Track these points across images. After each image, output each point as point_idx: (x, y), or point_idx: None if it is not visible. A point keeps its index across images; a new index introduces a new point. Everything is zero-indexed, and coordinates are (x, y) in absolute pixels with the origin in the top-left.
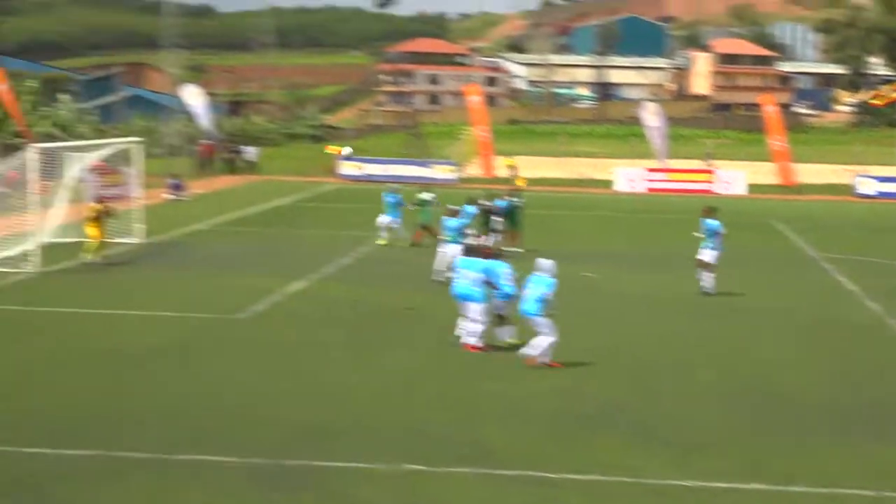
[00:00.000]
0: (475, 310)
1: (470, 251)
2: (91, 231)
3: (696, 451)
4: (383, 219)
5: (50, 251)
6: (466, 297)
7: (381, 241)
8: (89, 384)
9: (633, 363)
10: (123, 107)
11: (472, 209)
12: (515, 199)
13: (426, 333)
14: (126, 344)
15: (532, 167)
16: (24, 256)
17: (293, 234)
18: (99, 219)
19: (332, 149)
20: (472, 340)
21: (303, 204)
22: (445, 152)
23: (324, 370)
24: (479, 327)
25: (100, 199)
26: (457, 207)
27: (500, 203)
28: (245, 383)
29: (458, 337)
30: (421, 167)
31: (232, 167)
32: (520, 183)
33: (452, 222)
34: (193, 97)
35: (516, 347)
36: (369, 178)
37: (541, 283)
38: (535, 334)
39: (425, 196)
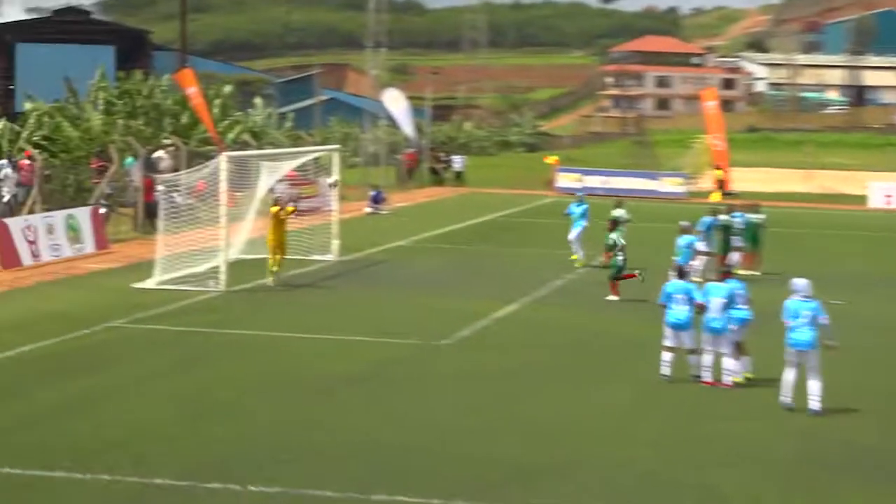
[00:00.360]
0: (714, 341)
1: (682, 274)
2: (269, 239)
3: None
4: (572, 234)
5: (238, 268)
6: (683, 327)
7: (575, 258)
8: (275, 414)
9: (884, 402)
10: (321, 111)
11: (709, 221)
12: (753, 216)
13: (648, 365)
14: (317, 371)
15: (773, 181)
16: (211, 273)
17: (503, 252)
18: (278, 223)
19: (550, 159)
20: (728, 378)
21: (515, 219)
22: (675, 163)
23: (534, 403)
24: (733, 363)
25: (275, 202)
26: (688, 223)
27: (737, 217)
28: (447, 416)
29: (666, 376)
30: (647, 179)
31: (438, 178)
32: (714, 198)
33: (684, 240)
34: (396, 101)
35: (751, 382)
36: (589, 192)
37: (805, 307)
38: (789, 367)
39: (618, 213)
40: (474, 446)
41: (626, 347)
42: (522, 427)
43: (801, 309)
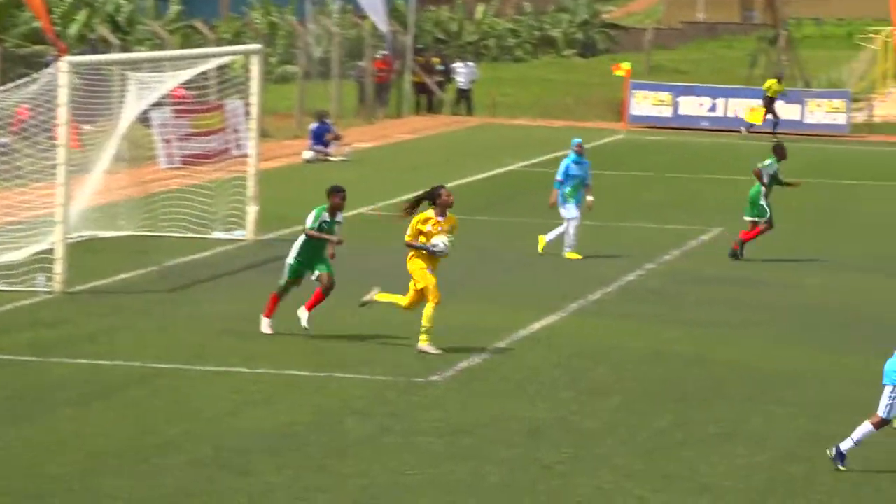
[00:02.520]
0: None
1: None
2: (420, 274)
3: None
4: (565, 210)
5: (86, 253)
6: None
7: (569, 254)
8: (145, 501)
9: None
10: None
11: None
12: None
13: (804, 416)
14: (219, 428)
15: None
16: (38, 263)
17: (536, 226)
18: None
19: (621, 68)
20: None
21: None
22: (837, 74)
23: (585, 495)
24: None
25: (410, 206)
26: None
27: None
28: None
29: None
30: (785, 103)
31: (428, 100)
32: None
33: None
34: None
35: None
36: (686, 124)
37: None
38: None
39: (767, 164)
40: None
41: (749, 384)
42: None
43: None
